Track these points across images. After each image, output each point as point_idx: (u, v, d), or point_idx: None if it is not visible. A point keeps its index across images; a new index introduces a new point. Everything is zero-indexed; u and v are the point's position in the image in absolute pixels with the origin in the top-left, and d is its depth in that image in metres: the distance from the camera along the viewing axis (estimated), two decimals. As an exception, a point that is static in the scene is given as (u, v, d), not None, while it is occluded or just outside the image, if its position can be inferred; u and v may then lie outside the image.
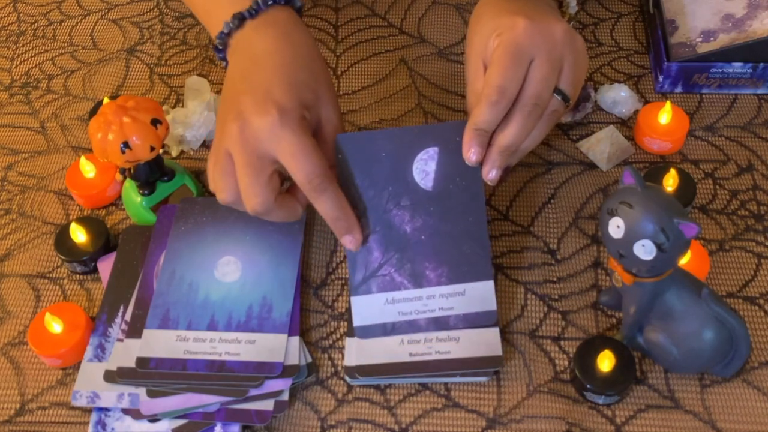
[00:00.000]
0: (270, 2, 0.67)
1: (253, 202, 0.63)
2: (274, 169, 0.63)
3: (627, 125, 0.83)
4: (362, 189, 0.67)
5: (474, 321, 0.66)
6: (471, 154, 0.64)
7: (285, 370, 0.66)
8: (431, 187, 0.67)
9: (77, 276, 0.75)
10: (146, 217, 0.76)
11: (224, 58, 0.70)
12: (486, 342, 0.67)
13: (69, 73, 0.92)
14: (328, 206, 0.64)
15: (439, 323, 0.66)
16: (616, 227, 0.59)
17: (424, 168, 0.67)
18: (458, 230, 0.67)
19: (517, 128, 0.63)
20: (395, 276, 0.67)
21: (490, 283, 0.67)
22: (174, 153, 0.83)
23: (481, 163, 0.65)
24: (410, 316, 0.67)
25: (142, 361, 0.66)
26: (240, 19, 0.67)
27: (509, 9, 0.66)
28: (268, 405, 0.65)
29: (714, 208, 0.77)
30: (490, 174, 0.65)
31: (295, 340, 0.68)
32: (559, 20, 0.65)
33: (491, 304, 0.67)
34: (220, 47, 0.69)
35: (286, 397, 0.66)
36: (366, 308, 0.67)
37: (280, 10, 0.68)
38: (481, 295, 0.67)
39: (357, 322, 0.67)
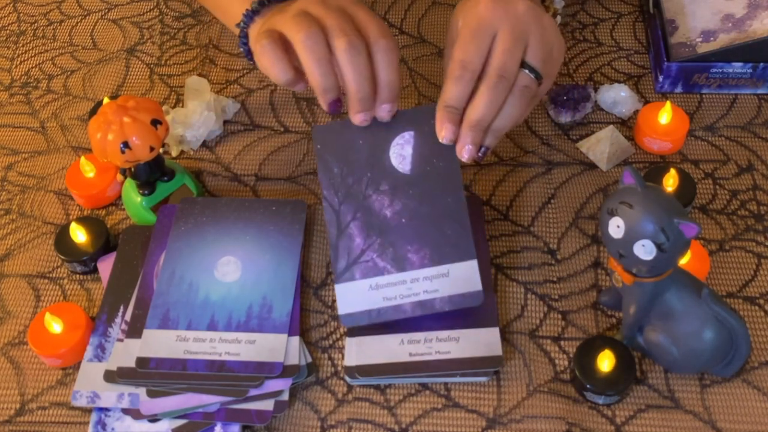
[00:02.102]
0: None
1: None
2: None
3: (627, 125, 0.83)
4: (341, 177, 0.67)
5: (460, 302, 0.66)
6: (444, 131, 0.65)
7: (285, 370, 0.66)
8: (409, 171, 0.67)
9: (77, 276, 0.75)
10: (146, 217, 0.76)
11: (246, 43, 0.72)
12: (486, 342, 0.67)
13: (69, 73, 0.92)
14: (395, 64, 0.65)
15: (425, 306, 0.66)
16: (616, 227, 0.59)
17: (401, 152, 0.67)
18: (438, 211, 0.67)
19: (484, 101, 0.63)
20: (378, 261, 0.67)
21: (474, 263, 0.66)
22: (174, 153, 0.83)
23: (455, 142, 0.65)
24: (395, 301, 0.66)
25: (142, 361, 0.66)
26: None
27: None
28: (268, 405, 0.65)
29: (714, 208, 0.77)
30: (464, 152, 0.65)
31: (295, 340, 0.68)
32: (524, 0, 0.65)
33: (476, 285, 0.66)
34: (256, 11, 0.71)
35: (286, 397, 0.66)
36: (350, 295, 0.67)
37: None
38: (465, 275, 0.66)
39: (342, 310, 0.66)
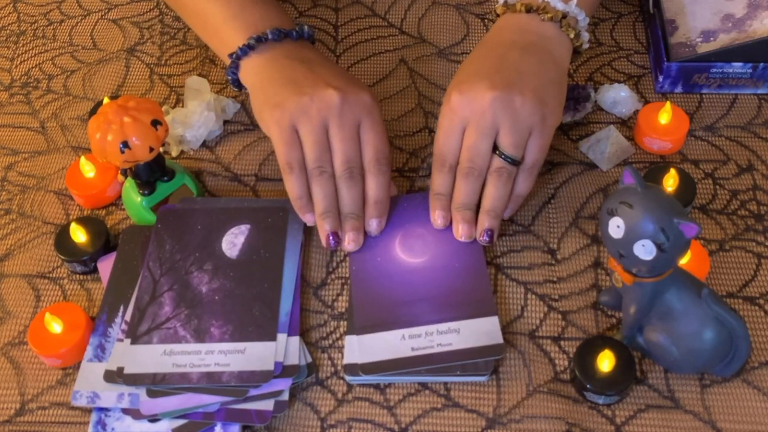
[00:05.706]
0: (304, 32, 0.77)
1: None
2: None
3: (627, 125, 0.83)
4: (170, 253, 0.72)
5: (248, 378, 0.65)
6: (437, 218, 0.73)
7: (285, 370, 0.66)
8: (236, 257, 0.72)
9: (77, 276, 0.75)
10: (146, 217, 0.76)
11: (236, 73, 0.75)
12: (486, 331, 0.67)
13: (69, 73, 0.92)
14: (383, 183, 0.73)
15: (212, 378, 0.65)
16: (616, 227, 0.59)
17: (233, 240, 0.73)
18: (252, 294, 0.70)
19: (462, 187, 0.72)
20: (179, 330, 0.68)
21: (272, 344, 0.67)
22: (174, 153, 0.83)
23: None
24: (184, 368, 0.66)
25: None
26: (284, 34, 0.75)
27: (468, 71, 0.74)
28: (268, 405, 0.65)
29: (714, 208, 0.77)
30: (460, 230, 0.72)
31: (295, 340, 0.68)
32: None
33: (269, 364, 0.66)
34: (251, 46, 0.74)
35: (286, 397, 0.66)
36: (140, 356, 0.66)
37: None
38: (260, 354, 0.67)
39: (128, 369, 0.66)
